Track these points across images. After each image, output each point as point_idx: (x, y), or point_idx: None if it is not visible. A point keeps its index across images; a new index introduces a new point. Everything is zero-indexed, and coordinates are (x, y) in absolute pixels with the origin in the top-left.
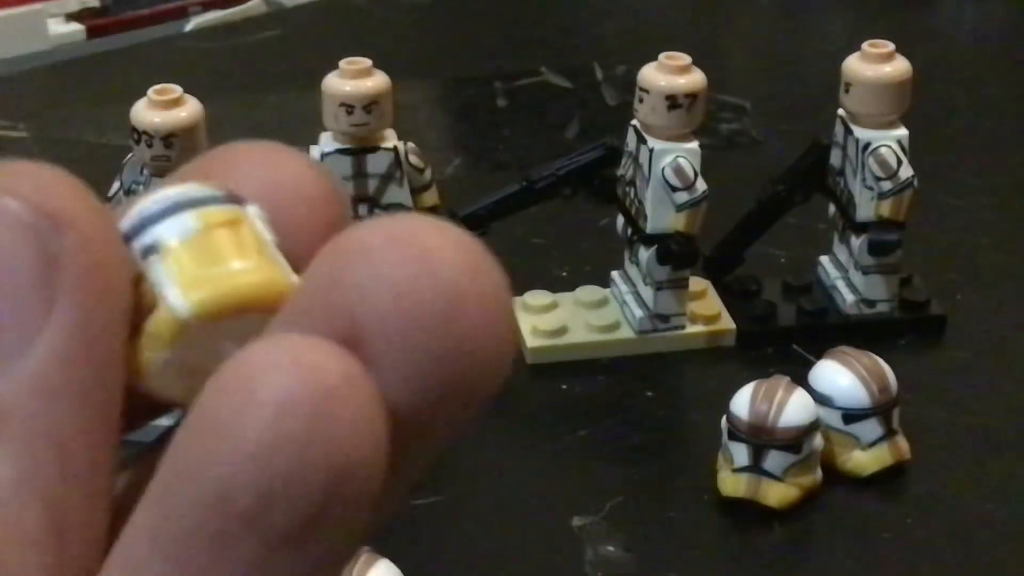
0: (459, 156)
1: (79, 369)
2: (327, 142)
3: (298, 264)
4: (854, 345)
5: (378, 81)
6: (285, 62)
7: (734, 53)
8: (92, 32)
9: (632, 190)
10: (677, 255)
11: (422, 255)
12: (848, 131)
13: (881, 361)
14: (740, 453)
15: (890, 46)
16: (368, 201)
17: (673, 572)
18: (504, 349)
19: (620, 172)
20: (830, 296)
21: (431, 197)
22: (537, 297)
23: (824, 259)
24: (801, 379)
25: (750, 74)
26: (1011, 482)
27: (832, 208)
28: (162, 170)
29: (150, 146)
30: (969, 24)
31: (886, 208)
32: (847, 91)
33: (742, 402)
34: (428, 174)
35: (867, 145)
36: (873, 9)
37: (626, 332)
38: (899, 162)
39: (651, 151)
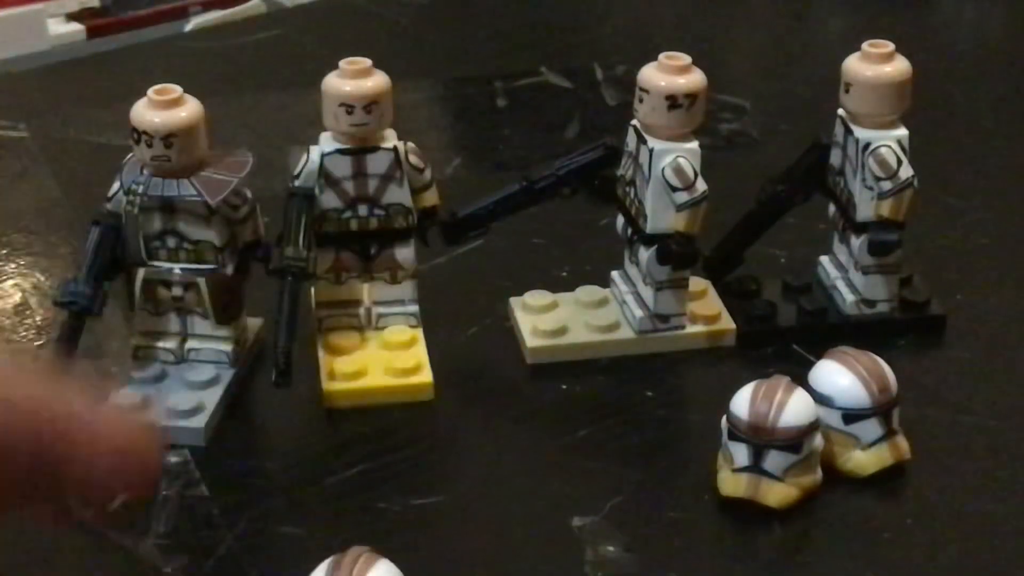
0: (459, 156)
1: None
2: (327, 142)
3: None
4: (854, 345)
5: (378, 81)
6: (285, 62)
7: (734, 53)
8: (92, 32)
9: (632, 190)
10: (677, 255)
11: None
12: (848, 131)
13: (881, 361)
14: (740, 453)
15: (890, 46)
16: (368, 201)
17: (673, 572)
18: None
19: (620, 172)
20: (830, 296)
21: (431, 197)
22: (537, 297)
23: (824, 259)
24: (801, 379)
25: (750, 74)
26: (1011, 482)
27: (832, 208)
28: (162, 170)
29: (150, 146)
30: (969, 24)
31: (886, 208)
32: (847, 91)
33: (742, 402)
34: (428, 174)
35: (867, 145)
36: (873, 9)
37: (626, 332)
38: (899, 162)
39: (651, 151)
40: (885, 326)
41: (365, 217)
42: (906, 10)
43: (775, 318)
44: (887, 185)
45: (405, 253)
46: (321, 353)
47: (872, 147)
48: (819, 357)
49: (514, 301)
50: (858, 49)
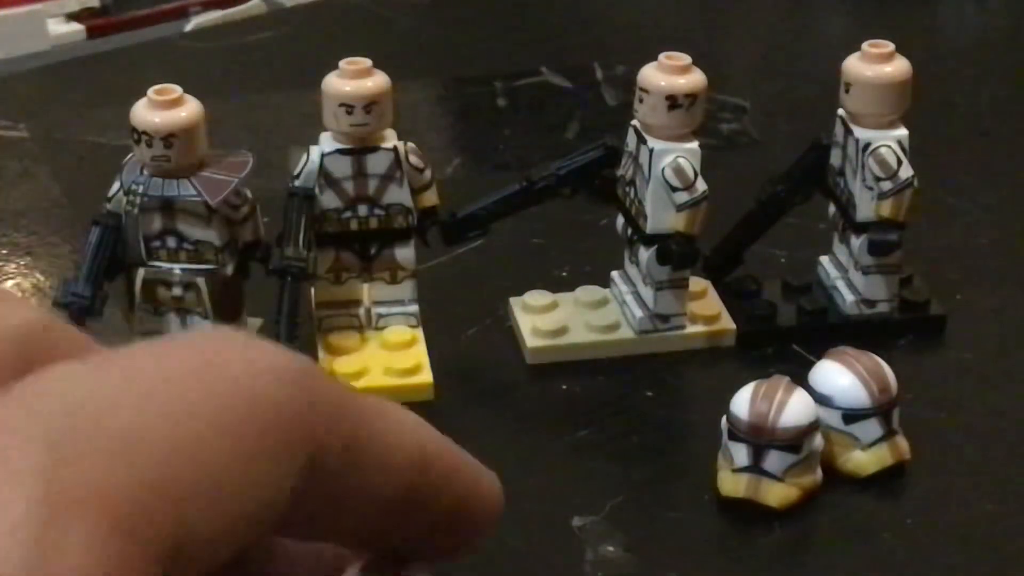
0: (459, 156)
1: None
2: (327, 142)
3: None
4: (854, 345)
5: (378, 81)
6: (285, 62)
7: (734, 53)
8: (92, 32)
9: (632, 190)
10: (677, 255)
11: None
12: (848, 131)
13: (881, 361)
14: (740, 453)
15: (890, 46)
16: (368, 201)
17: (673, 572)
18: None
19: (620, 172)
20: (830, 296)
21: (431, 197)
22: (537, 297)
23: (824, 259)
24: (801, 379)
25: (750, 74)
26: (1011, 482)
27: (832, 208)
28: (162, 170)
29: (150, 146)
30: (969, 24)
31: (886, 208)
32: (847, 91)
33: (742, 402)
34: (428, 174)
35: (867, 145)
36: (873, 9)
37: (626, 332)
38: (899, 162)
39: (651, 151)
40: (885, 326)
41: (365, 217)
42: (906, 10)
43: (775, 318)
44: (887, 185)
45: (405, 253)
46: (321, 353)
47: (872, 147)
48: (819, 357)
49: (514, 301)
50: (858, 49)
